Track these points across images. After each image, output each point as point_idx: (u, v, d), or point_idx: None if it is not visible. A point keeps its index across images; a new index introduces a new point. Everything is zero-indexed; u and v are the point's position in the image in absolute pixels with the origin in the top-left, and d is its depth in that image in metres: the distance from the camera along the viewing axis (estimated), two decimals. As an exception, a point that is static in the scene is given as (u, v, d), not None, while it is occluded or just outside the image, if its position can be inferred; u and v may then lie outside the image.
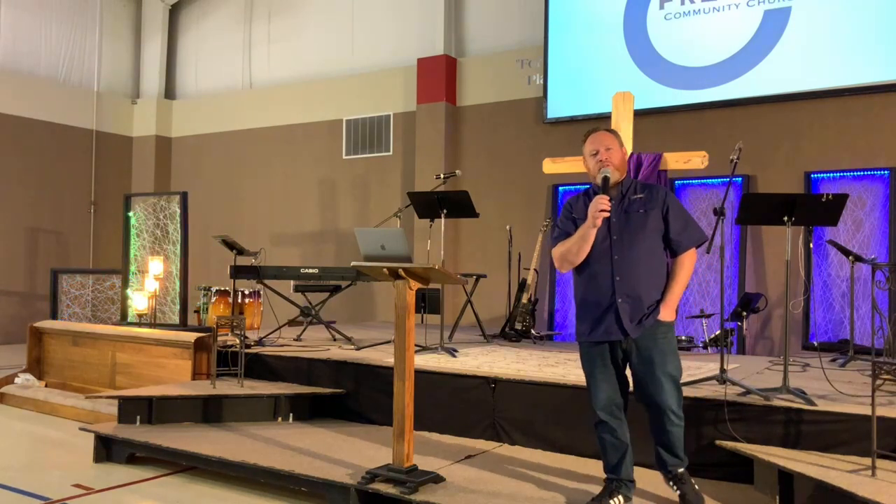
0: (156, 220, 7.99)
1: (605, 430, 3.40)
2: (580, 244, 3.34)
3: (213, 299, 7.84)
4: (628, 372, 3.44)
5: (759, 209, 4.40)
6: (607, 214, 3.26)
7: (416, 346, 4.77)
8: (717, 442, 3.91)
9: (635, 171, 5.99)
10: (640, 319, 3.29)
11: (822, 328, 7.40)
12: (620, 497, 3.39)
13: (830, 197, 4.17)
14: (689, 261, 3.35)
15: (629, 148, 6.17)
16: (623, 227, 3.34)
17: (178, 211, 7.85)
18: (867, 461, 3.36)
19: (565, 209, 3.53)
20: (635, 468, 3.51)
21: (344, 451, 4.31)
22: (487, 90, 9.65)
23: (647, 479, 3.70)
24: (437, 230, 6.47)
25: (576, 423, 4.37)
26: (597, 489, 3.56)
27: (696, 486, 3.42)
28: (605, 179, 3.34)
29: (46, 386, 6.74)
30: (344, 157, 10.75)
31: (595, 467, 4.07)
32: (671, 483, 3.44)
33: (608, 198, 3.27)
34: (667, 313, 3.30)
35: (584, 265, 3.40)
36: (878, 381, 3.37)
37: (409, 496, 3.50)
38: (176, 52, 12.77)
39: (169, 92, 12.73)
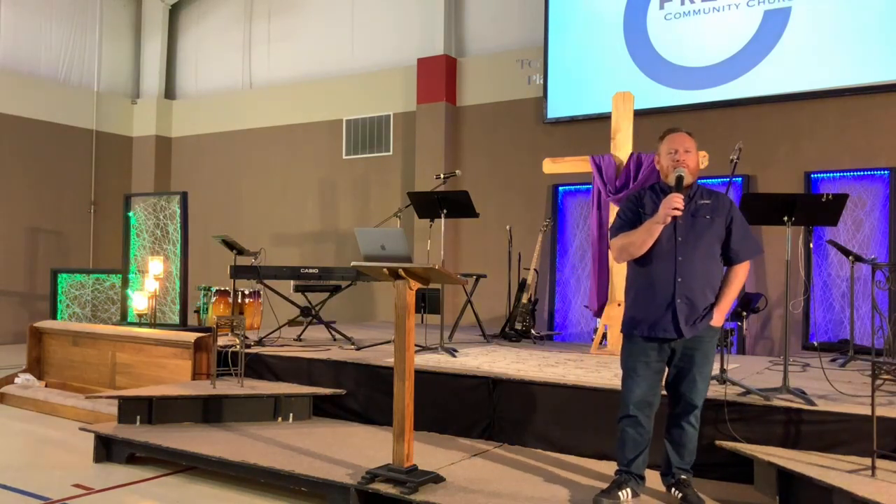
0: (156, 220, 7.98)
1: (632, 424, 3.44)
2: (644, 238, 3.35)
3: (213, 299, 7.83)
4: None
5: (759, 209, 4.40)
6: (680, 213, 3.26)
7: (416, 346, 4.77)
8: (717, 442, 3.91)
9: (635, 170, 5.99)
10: (695, 321, 3.34)
11: (822, 328, 7.40)
12: (629, 490, 3.42)
13: (830, 197, 4.18)
14: (743, 271, 3.42)
15: (629, 148, 6.18)
16: (689, 229, 3.36)
17: (178, 211, 7.85)
18: (867, 461, 3.36)
19: (630, 200, 3.54)
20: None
21: (344, 451, 4.31)
22: (487, 90, 9.65)
23: (649, 479, 3.70)
24: (437, 230, 6.47)
25: (576, 423, 4.37)
26: (597, 488, 3.56)
27: (699, 494, 3.42)
28: (679, 178, 3.33)
29: (46, 386, 6.73)
30: (344, 157, 10.76)
31: (595, 467, 4.08)
32: (673, 489, 3.44)
33: (682, 197, 3.27)
34: (718, 319, 3.36)
35: (646, 262, 3.41)
36: (878, 381, 3.37)
37: (409, 496, 3.50)
38: (176, 52, 12.77)
39: (169, 92, 12.74)
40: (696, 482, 3.53)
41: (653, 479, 3.67)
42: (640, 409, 3.42)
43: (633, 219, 3.46)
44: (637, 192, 3.59)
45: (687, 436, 3.43)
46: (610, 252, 3.55)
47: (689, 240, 3.35)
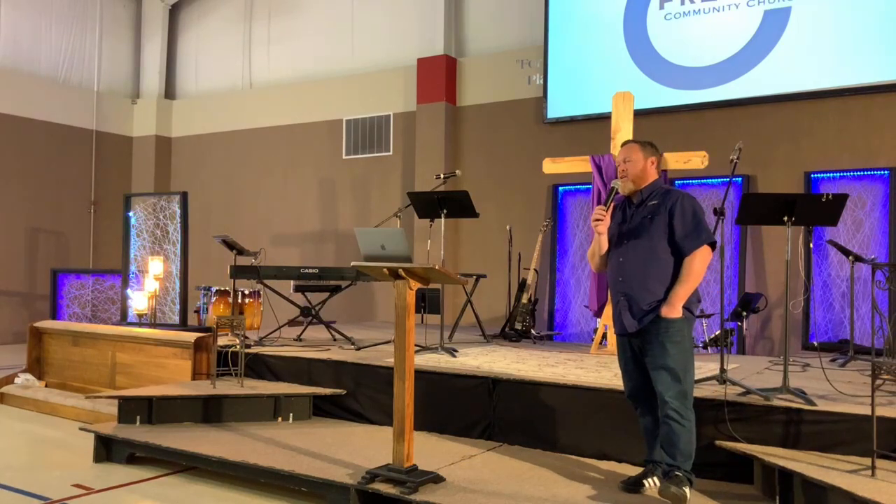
0: (156, 220, 7.98)
1: (638, 415, 3.69)
2: (594, 248, 3.74)
3: (213, 299, 7.83)
4: None
5: (759, 209, 4.40)
6: (602, 224, 3.63)
7: (416, 346, 4.77)
8: (717, 442, 3.91)
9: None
10: (641, 317, 3.49)
11: (822, 328, 7.40)
12: (655, 479, 3.58)
13: (830, 197, 4.18)
14: (696, 262, 3.45)
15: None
16: (631, 231, 3.58)
17: (178, 211, 7.85)
18: (867, 461, 3.36)
19: None
20: (628, 466, 3.63)
21: (344, 451, 4.31)
22: (487, 90, 9.65)
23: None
24: (437, 230, 6.47)
25: (575, 423, 4.37)
26: (597, 489, 3.57)
27: (686, 492, 3.29)
28: (611, 190, 3.66)
29: (46, 386, 6.73)
30: (344, 157, 10.75)
31: (595, 466, 4.08)
32: (654, 479, 3.55)
33: (605, 209, 3.62)
34: (668, 310, 3.43)
35: (608, 266, 3.73)
36: (878, 381, 3.37)
37: (409, 496, 3.50)
38: (176, 52, 12.77)
39: (169, 92, 12.73)
40: (696, 482, 3.47)
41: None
42: (633, 400, 3.67)
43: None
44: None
45: (672, 432, 3.39)
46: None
47: (630, 241, 3.57)
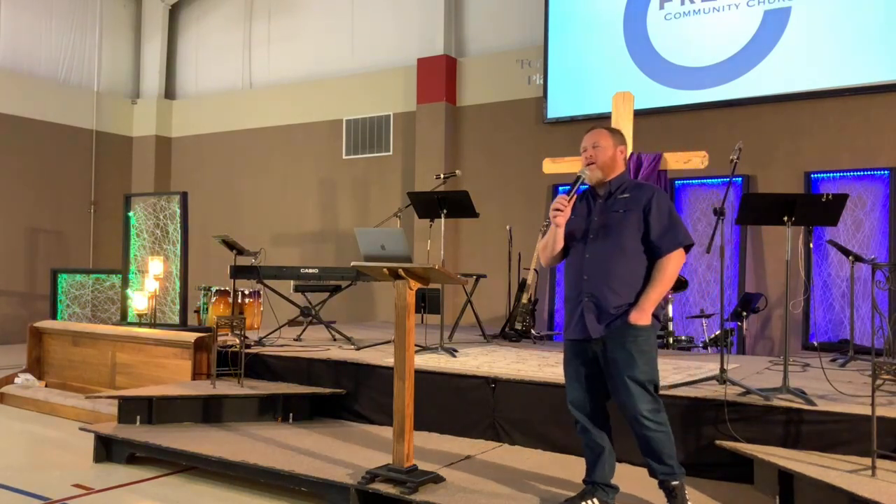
0: (156, 220, 7.98)
1: (580, 431, 3.36)
2: (548, 240, 3.39)
3: (213, 299, 7.83)
4: None
5: (759, 209, 4.40)
6: (561, 216, 3.27)
7: (416, 346, 4.77)
8: (717, 442, 3.91)
9: (635, 171, 6.00)
10: (608, 322, 3.20)
11: (822, 328, 7.40)
12: (595, 500, 3.31)
13: (830, 197, 4.18)
14: (669, 265, 3.19)
15: (629, 148, 6.17)
16: (600, 226, 3.28)
17: (178, 211, 7.85)
18: (867, 461, 3.36)
19: None
20: (627, 466, 3.49)
21: (344, 451, 4.31)
22: (487, 90, 9.65)
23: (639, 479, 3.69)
24: (437, 230, 6.47)
25: (576, 423, 4.37)
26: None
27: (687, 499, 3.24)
28: (576, 179, 3.33)
29: (46, 386, 6.73)
30: (344, 157, 10.76)
31: (595, 467, 4.07)
32: (665, 494, 3.28)
33: (567, 198, 3.27)
34: (637, 316, 3.16)
35: (566, 263, 3.42)
36: (878, 381, 3.37)
37: (409, 496, 3.50)
38: (176, 52, 12.77)
39: (169, 92, 12.73)
40: (696, 482, 3.50)
41: (637, 483, 3.66)
42: (579, 412, 3.33)
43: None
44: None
45: (652, 442, 3.17)
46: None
47: (599, 237, 3.26)
